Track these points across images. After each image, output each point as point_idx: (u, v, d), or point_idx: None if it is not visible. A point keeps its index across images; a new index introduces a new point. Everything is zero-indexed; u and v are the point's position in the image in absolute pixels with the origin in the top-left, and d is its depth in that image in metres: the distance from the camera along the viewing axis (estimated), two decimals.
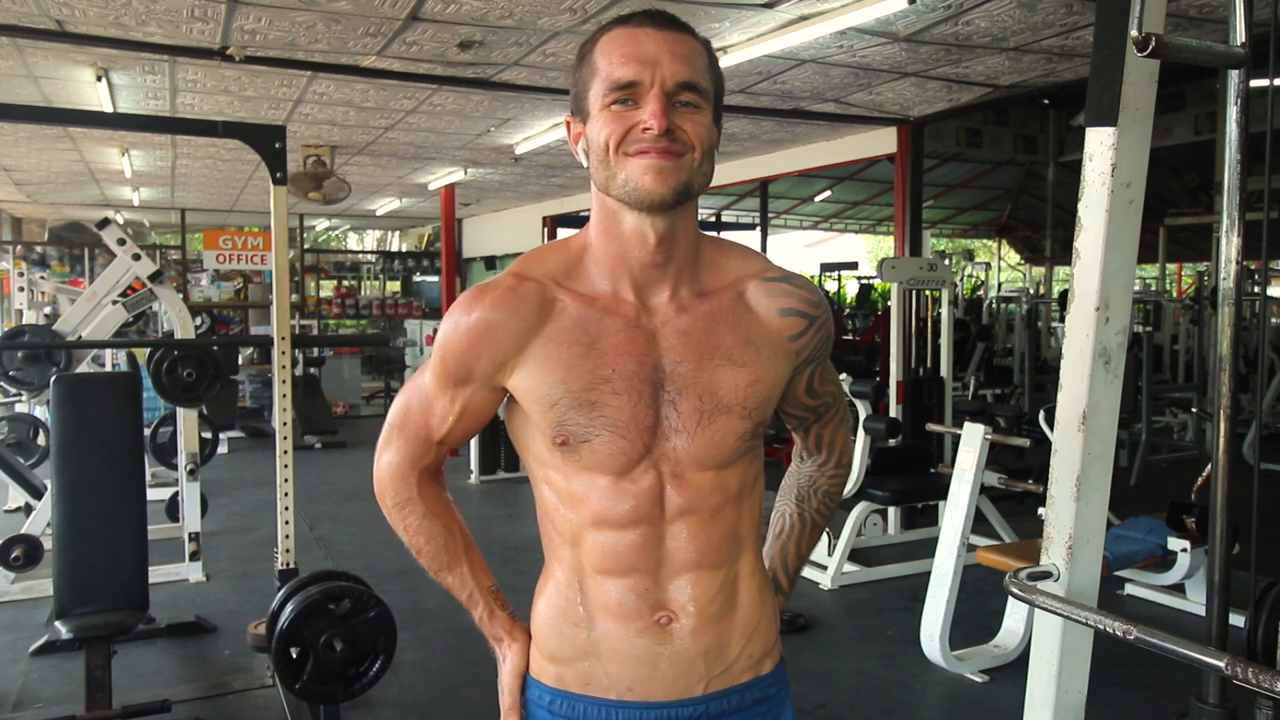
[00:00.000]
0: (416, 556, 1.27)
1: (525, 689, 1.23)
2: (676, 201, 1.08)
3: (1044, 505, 2.04)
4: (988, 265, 14.99)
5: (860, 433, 4.84)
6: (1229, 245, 1.67)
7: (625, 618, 1.14)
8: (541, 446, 1.15)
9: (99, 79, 4.82)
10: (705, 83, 1.09)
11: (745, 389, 1.13)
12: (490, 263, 12.19)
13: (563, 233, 10.68)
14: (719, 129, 1.14)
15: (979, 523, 4.28)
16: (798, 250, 21.87)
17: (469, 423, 1.21)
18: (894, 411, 5.54)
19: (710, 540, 1.15)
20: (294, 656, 2.69)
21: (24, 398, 6.12)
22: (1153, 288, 11.08)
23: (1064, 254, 8.78)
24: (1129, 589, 4.47)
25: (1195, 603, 4.10)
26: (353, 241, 19.09)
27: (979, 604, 4.18)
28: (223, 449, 8.21)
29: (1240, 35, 1.56)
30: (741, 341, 1.15)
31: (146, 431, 5.89)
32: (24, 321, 6.53)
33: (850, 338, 10.73)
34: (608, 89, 1.07)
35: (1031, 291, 12.45)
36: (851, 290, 15.80)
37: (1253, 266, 7.37)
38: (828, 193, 13.12)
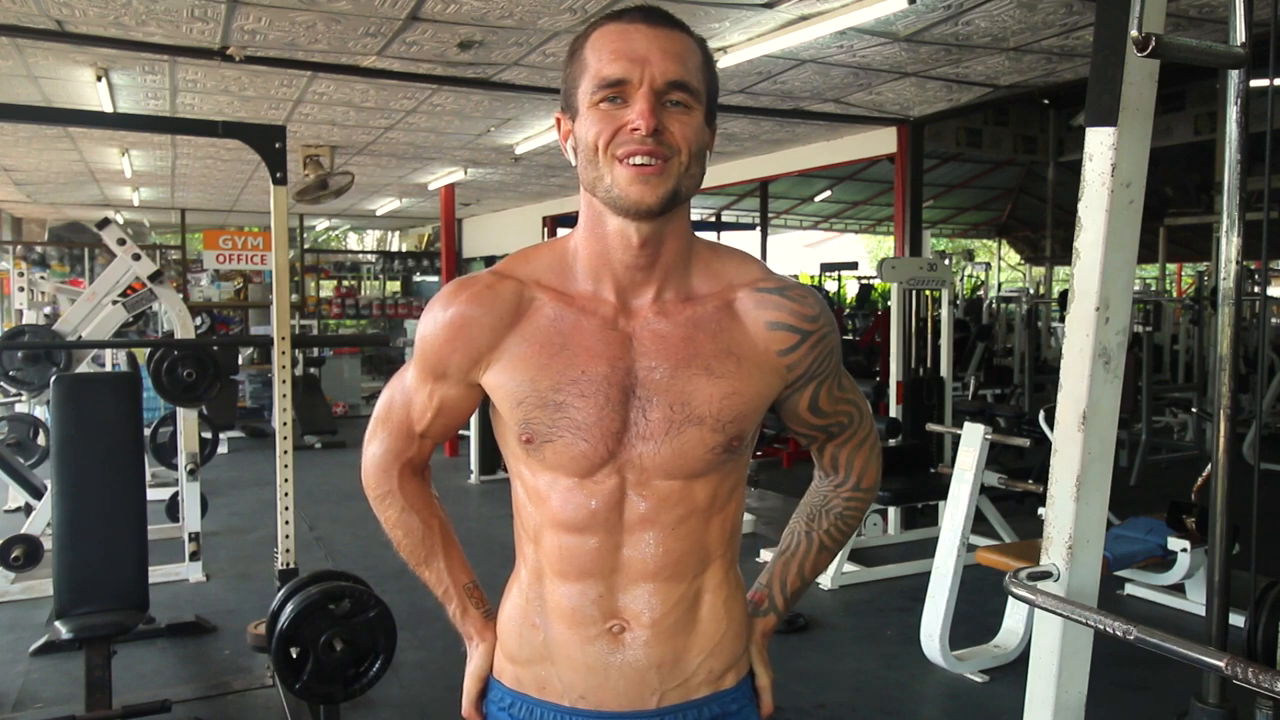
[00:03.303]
0: (396, 549, 1.28)
1: (488, 689, 1.23)
2: (663, 210, 1.05)
3: (1044, 505, 2.04)
4: (988, 265, 14.99)
5: None
6: (1229, 245, 1.67)
7: (578, 623, 1.13)
8: (513, 442, 1.14)
9: (99, 79, 4.82)
10: (697, 82, 1.06)
11: (719, 401, 1.09)
12: (490, 263, 12.07)
13: (562, 233, 10.65)
14: (713, 129, 1.11)
15: (979, 523, 4.28)
16: (798, 250, 21.86)
17: (447, 418, 1.21)
18: (894, 411, 5.54)
19: (670, 552, 1.11)
20: (294, 656, 2.69)
21: (24, 398, 6.13)
22: (1153, 288, 11.08)
23: (1064, 254, 8.78)
24: (1129, 589, 4.47)
25: (1195, 603, 4.10)
26: (353, 241, 19.09)
27: (979, 604, 4.18)
28: (223, 449, 8.21)
29: (1240, 35, 1.56)
30: (722, 351, 1.10)
31: (146, 431, 5.89)
32: (24, 321, 6.54)
33: (850, 338, 10.74)
34: (596, 86, 1.04)
35: (1031, 291, 12.46)
36: (851, 290, 15.80)
37: (1253, 266, 7.37)
38: (828, 193, 13.12)
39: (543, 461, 1.11)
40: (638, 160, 1.03)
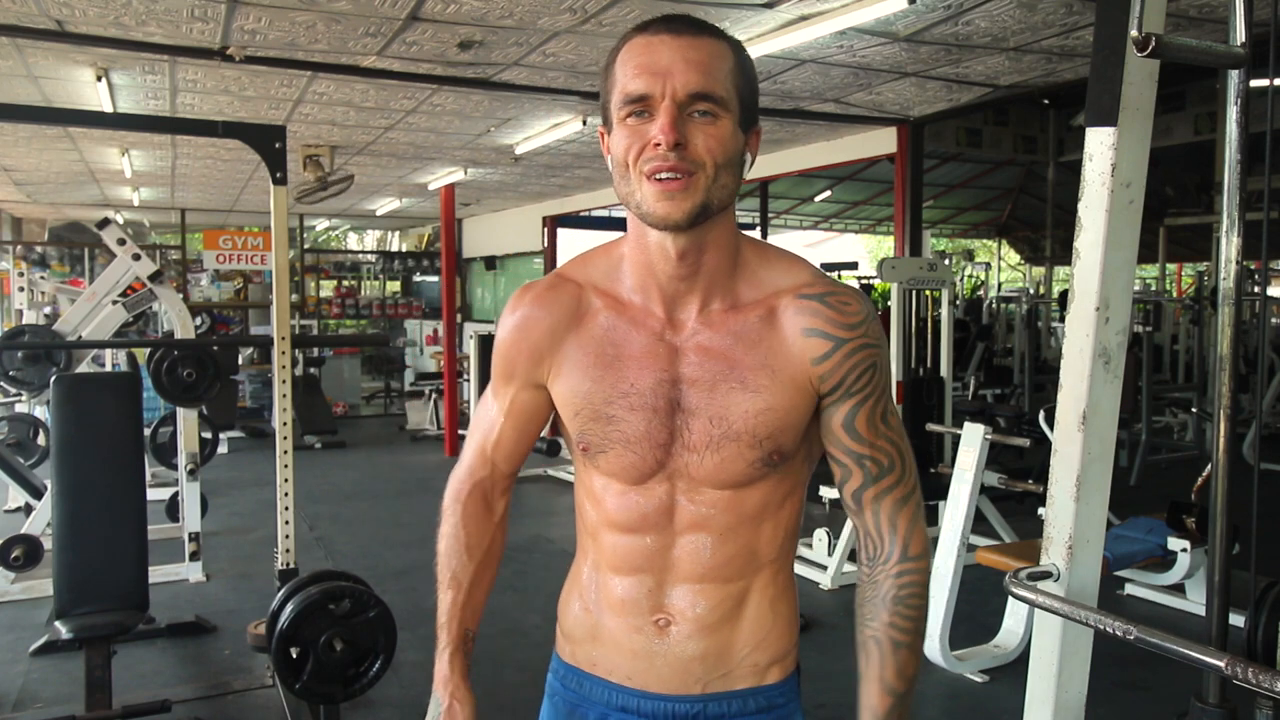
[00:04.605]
0: (436, 559, 1.30)
1: (550, 659, 1.29)
2: (692, 224, 1.06)
3: (1044, 505, 2.04)
4: (988, 265, 14.98)
5: None
6: (1229, 245, 1.67)
7: (627, 613, 1.17)
8: (574, 448, 1.19)
9: (99, 79, 4.82)
10: (723, 89, 1.04)
11: (755, 417, 1.09)
12: (490, 263, 12.19)
13: (562, 233, 10.67)
14: (751, 132, 1.10)
15: (979, 523, 4.28)
16: (797, 250, 21.85)
17: (518, 423, 1.24)
18: None
19: (718, 556, 1.14)
20: (294, 656, 2.70)
21: (24, 398, 6.13)
22: (1153, 288, 11.08)
23: (1064, 254, 8.77)
24: (1129, 589, 4.47)
25: (1195, 603, 4.10)
26: (353, 241, 19.07)
27: (979, 604, 4.18)
28: (223, 449, 8.22)
29: (1240, 35, 1.56)
30: (758, 364, 1.10)
31: (146, 431, 5.89)
32: (24, 321, 6.54)
33: None
34: (622, 102, 1.05)
35: (1031, 291, 12.45)
36: None
37: (1253, 266, 7.37)
38: (828, 193, 13.12)
39: (598, 468, 1.16)
40: (662, 176, 1.03)
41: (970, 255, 15.54)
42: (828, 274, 1.17)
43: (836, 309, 1.11)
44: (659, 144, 1.02)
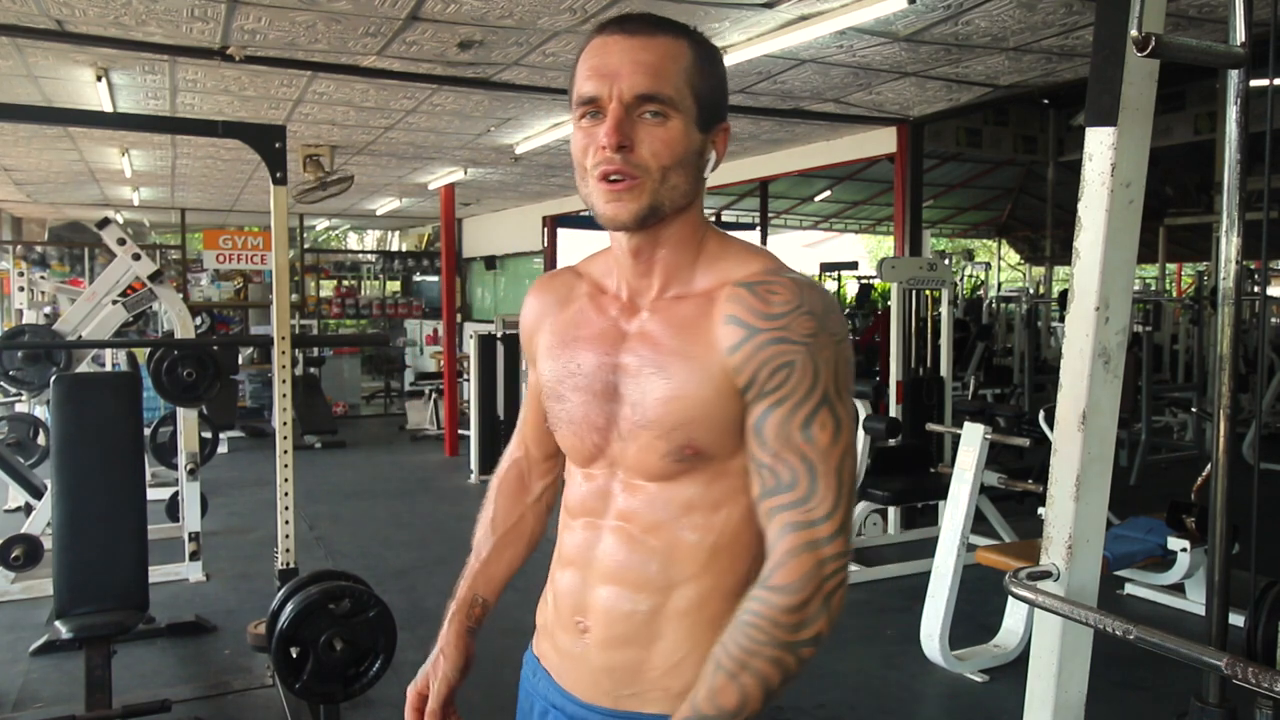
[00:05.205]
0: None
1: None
2: (640, 225, 1.06)
3: (1044, 505, 2.04)
4: (988, 265, 14.98)
5: (860, 432, 4.84)
6: (1229, 245, 1.67)
7: (561, 610, 1.18)
8: None
9: (99, 79, 4.82)
10: (672, 89, 1.03)
11: (664, 405, 1.05)
12: (490, 263, 12.19)
13: (562, 233, 10.67)
14: (715, 130, 1.09)
15: (979, 523, 4.28)
16: (798, 250, 21.87)
17: (536, 405, 1.30)
18: (894, 411, 5.54)
19: (634, 554, 1.10)
20: (294, 656, 2.69)
21: (24, 398, 6.13)
22: (1153, 288, 11.08)
23: (1064, 254, 8.78)
24: (1129, 589, 4.48)
25: (1195, 603, 4.10)
26: (353, 241, 19.07)
27: (979, 604, 4.18)
28: (223, 449, 8.21)
29: (1240, 35, 1.56)
30: (676, 351, 1.06)
31: (146, 431, 5.89)
32: (24, 321, 6.53)
33: (851, 337, 10.71)
34: (576, 103, 1.07)
35: (1031, 291, 12.45)
36: (851, 290, 15.79)
37: (1253, 266, 7.37)
38: (828, 193, 13.12)
39: (562, 447, 1.20)
40: (611, 177, 1.04)
41: (970, 255, 15.56)
42: (789, 268, 1.08)
43: (760, 296, 1.03)
44: (604, 146, 1.03)
